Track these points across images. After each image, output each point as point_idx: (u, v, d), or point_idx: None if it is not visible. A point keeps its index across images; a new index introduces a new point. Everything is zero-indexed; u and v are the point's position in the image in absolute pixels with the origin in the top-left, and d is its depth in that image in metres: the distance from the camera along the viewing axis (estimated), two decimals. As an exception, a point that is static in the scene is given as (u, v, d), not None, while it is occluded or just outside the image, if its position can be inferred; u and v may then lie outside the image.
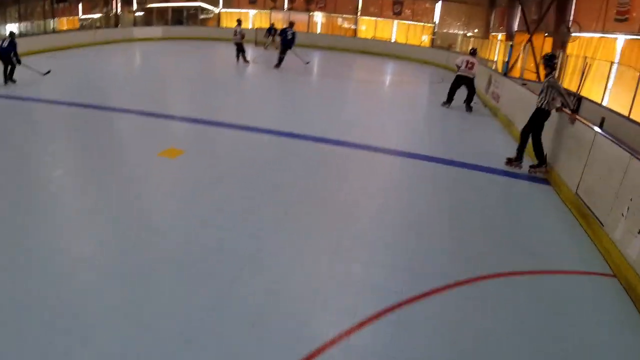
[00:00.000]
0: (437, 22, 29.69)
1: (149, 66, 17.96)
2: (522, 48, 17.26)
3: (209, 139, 7.81)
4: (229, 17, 32.63)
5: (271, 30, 22.83)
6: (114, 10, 32.85)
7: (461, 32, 27.81)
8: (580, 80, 11.16)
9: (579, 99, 10.50)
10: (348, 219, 4.96)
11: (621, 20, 11.21)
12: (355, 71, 20.30)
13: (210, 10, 33.92)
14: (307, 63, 17.98)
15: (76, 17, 34.39)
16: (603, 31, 12.48)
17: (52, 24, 28.35)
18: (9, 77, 11.08)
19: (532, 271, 4.26)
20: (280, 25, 17.81)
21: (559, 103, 6.76)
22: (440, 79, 18.10)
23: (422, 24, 30.08)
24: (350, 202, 5.40)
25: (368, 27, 31.26)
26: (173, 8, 33.82)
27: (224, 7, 33.96)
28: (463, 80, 11.59)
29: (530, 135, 6.98)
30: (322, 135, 8.16)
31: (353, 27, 31.41)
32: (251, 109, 10.34)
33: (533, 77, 15.46)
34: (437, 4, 29.41)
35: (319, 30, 31.80)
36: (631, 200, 4.41)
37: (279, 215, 4.91)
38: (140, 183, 5.61)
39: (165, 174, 6.01)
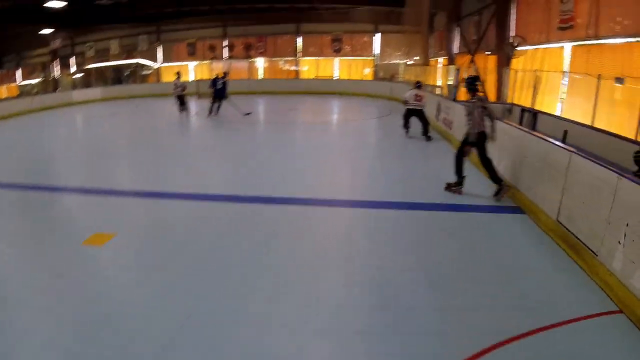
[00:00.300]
0: (377, 54, 30.05)
1: (85, 133, 16.76)
2: (464, 69, 17.30)
3: (145, 215, 6.68)
4: (170, 71, 32.02)
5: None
6: (52, 75, 31.81)
7: (402, 62, 28.11)
8: (533, 95, 11.00)
9: (535, 114, 10.29)
10: (309, 306, 4.03)
11: (565, 28, 11.24)
12: (301, 114, 19.75)
13: (149, 66, 33.32)
14: (248, 114, 16.55)
15: (14, 84, 33.22)
16: (548, 41, 12.49)
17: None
18: None
19: (532, 331, 3.54)
20: (224, 75, 17.42)
21: (489, 122, 6.59)
22: (388, 111, 17.93)
23: (362, 58, 30.40)
24: (318, 282, 4.46)
25: (310, 67, 31.41)
26: (112, 67, 33.11)
27: (163, 61, 33.46)
28: (413, 113, 11.53)
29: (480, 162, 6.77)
30: (271, 194, 7.27)
31: (295, 68, 31.39)
32: (193, 172, 9.23)
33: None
34: (375, 37, 29.83)
35: (260, 76, 31.65)
36: (627, 225, 3.88)
37: (229, 311, 3.97)
38: (58, 286, 4.44)
39: (90, 269, 4.86)
